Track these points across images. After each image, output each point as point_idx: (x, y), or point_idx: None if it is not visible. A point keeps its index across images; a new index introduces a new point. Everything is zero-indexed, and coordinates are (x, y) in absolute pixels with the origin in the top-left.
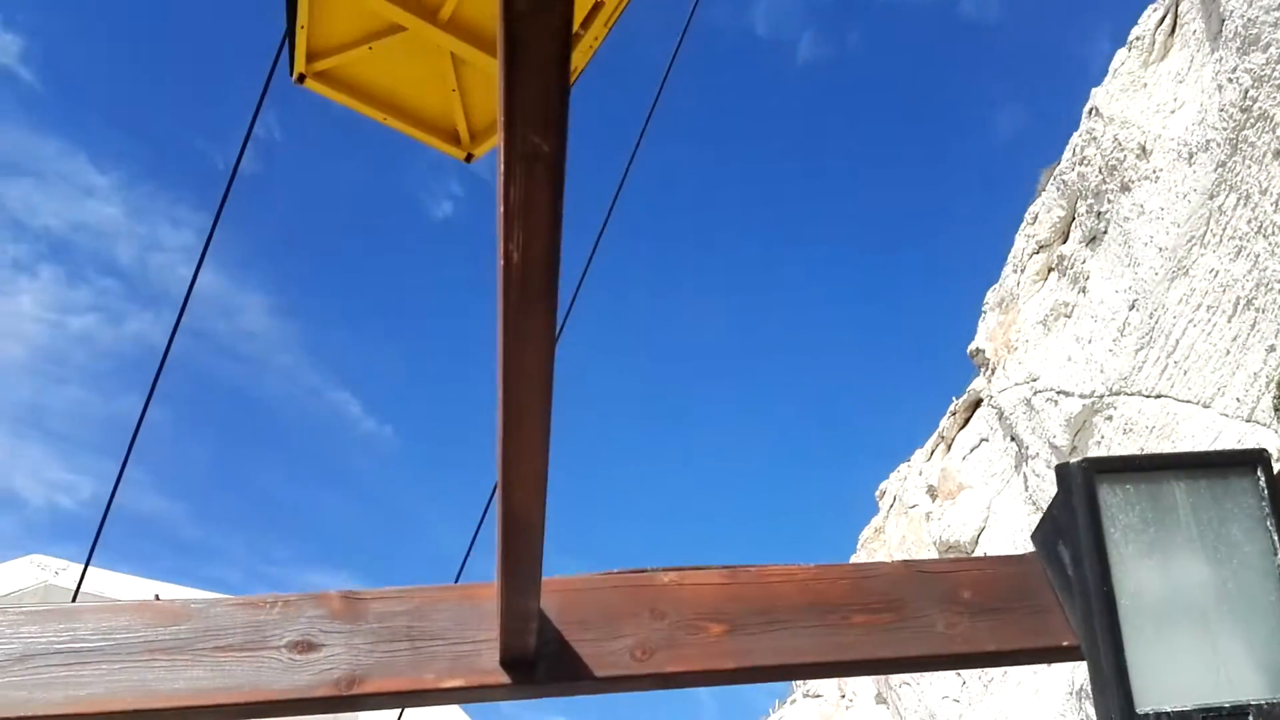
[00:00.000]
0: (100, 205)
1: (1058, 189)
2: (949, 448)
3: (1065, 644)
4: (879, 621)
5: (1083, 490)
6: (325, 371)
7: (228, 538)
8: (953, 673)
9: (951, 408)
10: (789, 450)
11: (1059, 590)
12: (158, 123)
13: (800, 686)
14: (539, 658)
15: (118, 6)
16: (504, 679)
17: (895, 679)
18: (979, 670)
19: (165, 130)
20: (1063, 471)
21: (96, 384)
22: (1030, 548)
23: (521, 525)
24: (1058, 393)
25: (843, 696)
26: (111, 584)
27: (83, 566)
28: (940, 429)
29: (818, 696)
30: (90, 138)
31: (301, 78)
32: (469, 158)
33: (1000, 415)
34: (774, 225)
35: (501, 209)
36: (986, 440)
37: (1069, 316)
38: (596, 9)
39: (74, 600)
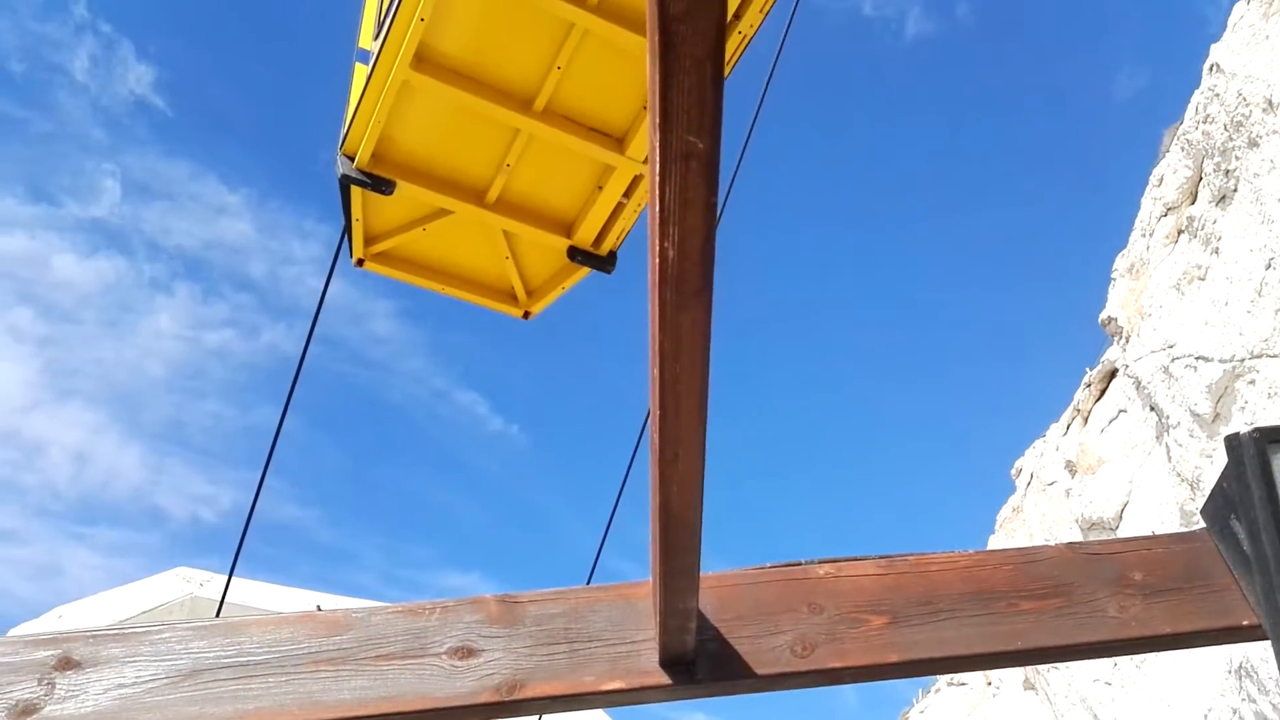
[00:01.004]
0: (232, 222)
1: (1182, 149)
2: (1086, 421)
3: (1245, 623)
4: (1047, 607)
5: (1255, 461)
6: (452, 373)
7: (363, 541)
8: None
9: (1086, 379)
10: (919, 433)
11: (1235, 567)
12: (283, 139)
13: (945, 675)
14: (698, 657)
15: (239, 28)
16: (664, 679)
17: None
18: None
19: (290, 145)
20: (1232, 442)
21: (234, 397)
22: (1193, 523)
23: (678, 523)
24: (1196, 358)
25: (989, 684)
26: (254, 593)
27: (226, 577)
28: (1075, 402)
29: (962, 685)
30: (220, 159)
31: (360, 262)
32: (526, 315)
33: (1138, 385)
34: (889, 206)
35: (656, 208)
36: (1125, 411)
37: (1203, 279)
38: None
39: (219, 610)
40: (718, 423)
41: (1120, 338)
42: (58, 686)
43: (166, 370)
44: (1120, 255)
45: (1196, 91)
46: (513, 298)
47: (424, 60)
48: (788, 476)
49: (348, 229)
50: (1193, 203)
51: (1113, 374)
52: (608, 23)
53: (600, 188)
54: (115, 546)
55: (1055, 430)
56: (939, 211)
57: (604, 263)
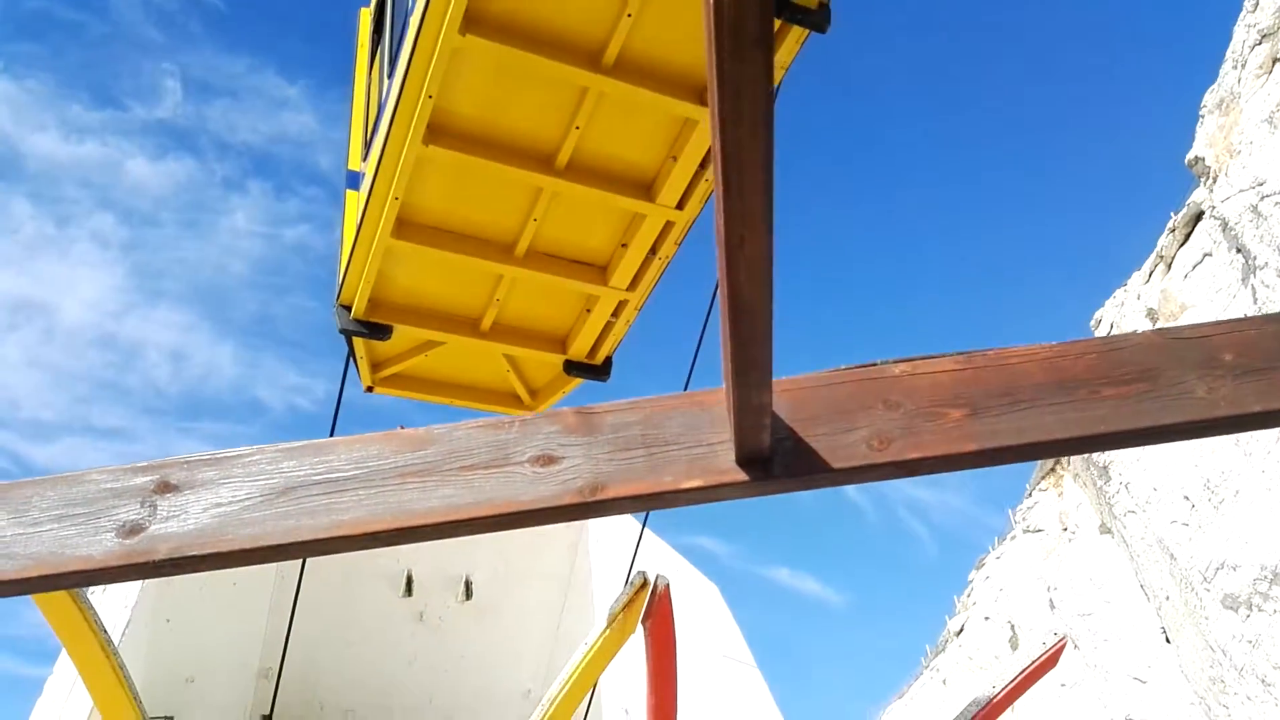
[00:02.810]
0: (294, 115)
1: None
2: (1169, 267)
3: None
4: (1131, 392)
5: None
6: None
7: (459, 419)
8: (1181, 496)
9: (1170, 224)
10: (993, 285)
11: None
12: (336, 25)
13: (1020, 523)
14: (774, 455)
15: None
16: (741, 476)
17: (1120, 508)
18: (1210, 492)
19: (344, 32)
20: None
21: (316, 291)
22: None
23: (748, 312)
24: None
25: (1064, 529)
26: None
27: None
28: (1158, 248)
29: (1038, 531)
30: (276, 50)
31: (370, 388)
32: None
33: (1224, 226)
34: (975, 40)
35: None
36: (1209, 255)
37: None
38: None
39: None
40: (786, 207)
41: (1207, 178)
42: (159, 508)
43: (248, 267)
44: (1209, 91)
45: None
46: (518, 400)
47: (405, 225)
48: (856, 313)
49: (354, 362)
50: None
51: (1198, 217)
52: (576, 185)
53: (589, 310)
54: (220, 438)
55: (1137, 279)
56: (1017, 46)
57: (599, 371)
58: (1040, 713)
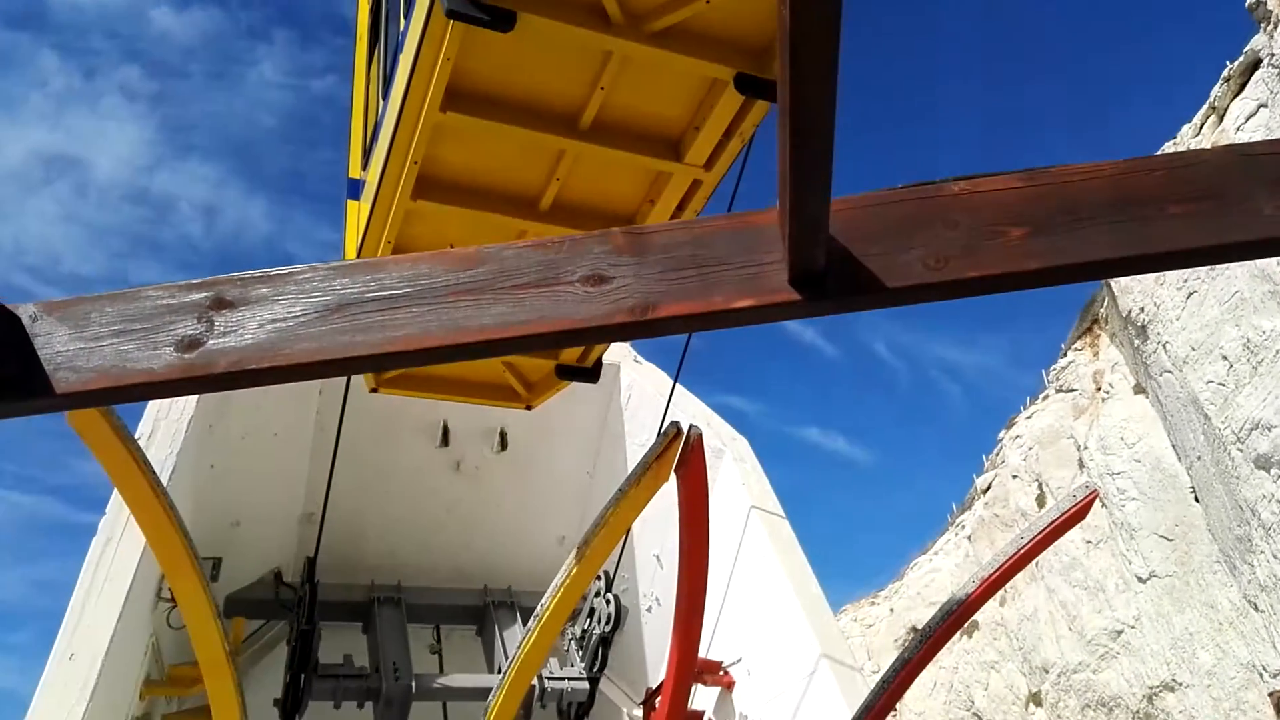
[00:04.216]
0: None
1: None
2: (1220, 119)
3: None
4: (1198, 210)
5: None
6: None
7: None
8: (1219, 357)
9: (1225, 73)
10: (1031, 141)
11: None
12: None
13: (1054, 382)
14: (828, 274)
15: None
16: (794, 296)
17: (1156, 367)
18: (1249, 353)
19: None
20: None
21: (345, 145)
22: None
23: (809, 112)
24: None
25: (1098, 389)
26: None
27: None
28: (1211, 99)
29: (1071, 391)
30: None
31: (375, 389)
32: (529, 407)
33: None
34: None
35: None
36: (1265, 106)
37: None
38: None
39: None
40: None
41: (1268, 23)
42: (216, 324)
43: (278, 120)
44: None
45: None
46: (515, 395)
47: None
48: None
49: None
50: None
51: (1255, 65)
52: (560, 227)
53: None
54: None
55: (1187, 131)
56: None
57: (589, 374)
58: (1065, 568)
